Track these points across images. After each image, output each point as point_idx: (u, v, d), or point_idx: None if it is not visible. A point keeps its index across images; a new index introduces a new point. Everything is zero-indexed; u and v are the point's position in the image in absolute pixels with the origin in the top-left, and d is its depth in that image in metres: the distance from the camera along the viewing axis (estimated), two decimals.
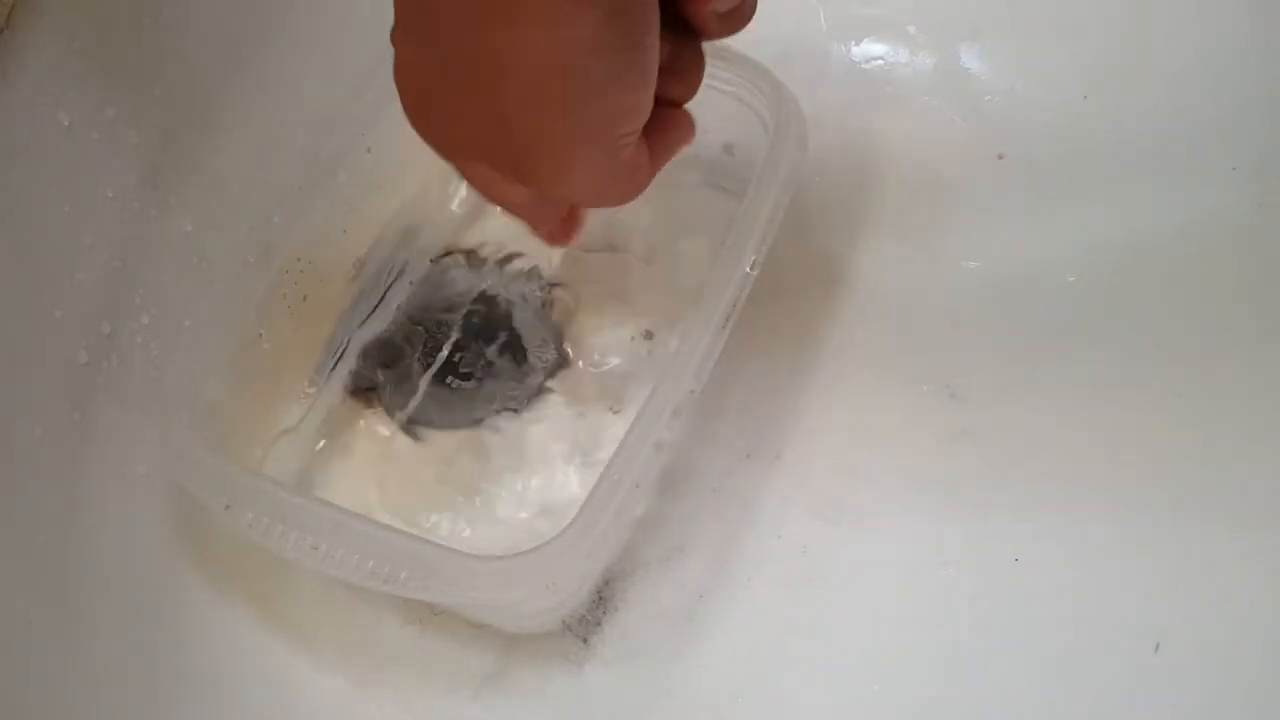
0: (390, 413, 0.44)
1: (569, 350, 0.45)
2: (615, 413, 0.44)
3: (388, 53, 0.30)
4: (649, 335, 0.45)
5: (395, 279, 0.46)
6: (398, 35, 0.30)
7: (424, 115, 0.31)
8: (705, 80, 0.41)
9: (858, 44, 0.50)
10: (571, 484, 0.42)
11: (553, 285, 0.46)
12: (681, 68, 0.33)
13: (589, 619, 0.41)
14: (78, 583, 0.37)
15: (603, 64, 0.28)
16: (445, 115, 0.30)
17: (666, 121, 0.33)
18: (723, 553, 0.42)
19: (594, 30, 0.27)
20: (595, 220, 0.39)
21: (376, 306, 0.46)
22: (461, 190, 0.48)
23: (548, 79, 0.28)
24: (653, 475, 0.40)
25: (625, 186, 0.33)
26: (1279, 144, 0.44)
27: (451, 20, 0.28)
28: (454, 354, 0.45)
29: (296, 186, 0.42)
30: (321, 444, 0.44)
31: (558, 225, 0.37)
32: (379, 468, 0.43)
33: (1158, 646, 0.38)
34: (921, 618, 0.40)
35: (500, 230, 0.47)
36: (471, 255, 0.47)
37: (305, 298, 0.44)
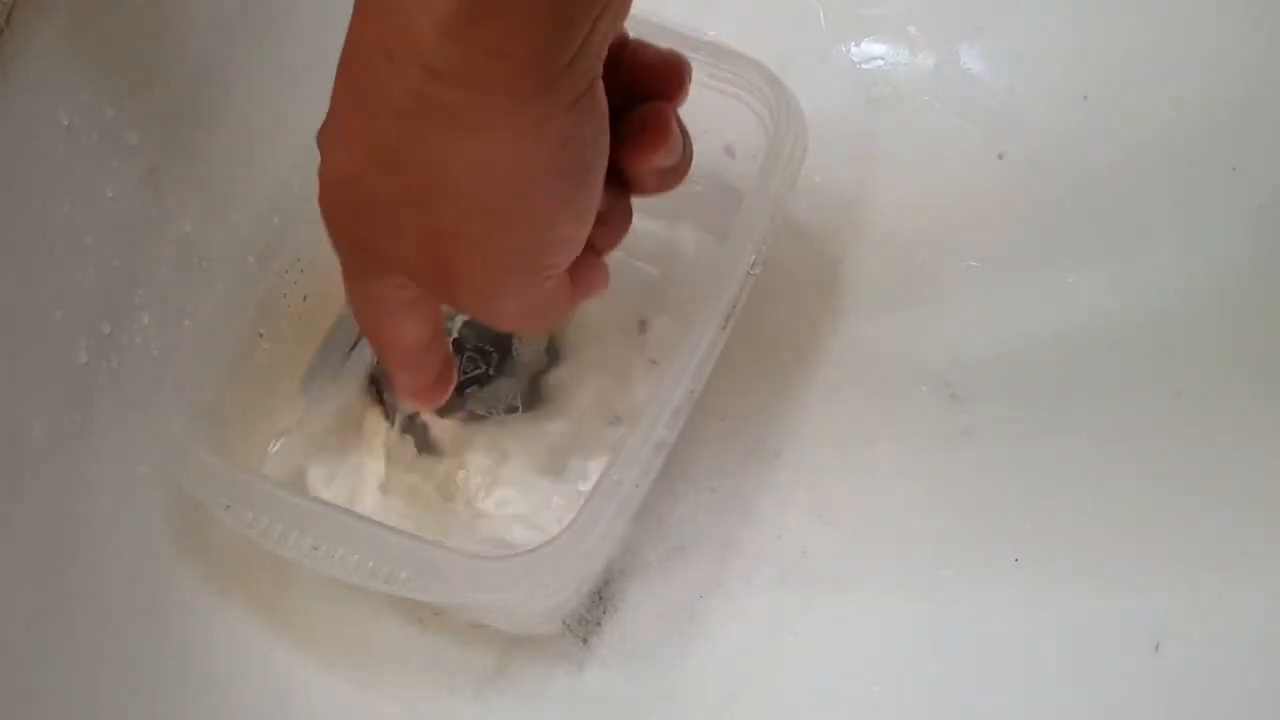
0: (389, 412, 0.44)
1: (568, 351, 0.45)
2: (614, 414, 0.44)
3: None
4: (644, 328, 0.45)
5: None
6: (329, 136, 0.29)
7: (350, 221, 0.31)
8: (705, 80, 0.41)
9: (858, 44, 0.50)
10: (571, 484, 0.42)
11: None
12: (612, 218, 0.33)
13: (589, 619, 0.41)
14: (78, 583, 0.37)
15: (549, 189, 0.28)
16: (372, 221, 0.30)
17: (589, 267, 0.34)
18: (723, 553, 0.42)
19: (546, 153, 0.27)
20: None
21: None
22: None
23: (491, 195, 0.28)
24: (653, 475, 0.40)
25: (542, 316, 0.33)
26: (1279, 144, 0.44)
27: (396, 126, 0.27)
28: (453, 354, 0.45)
29: (297, 186, 0.42)
30: (322, 444, 0.43)
31: (429, 384, 0.36)
32: (379, 467, 0.43)
33: (1158, 646, 0.38)
34: (921, 618, 0.40)
35: None
36: None
37: (305, 298, 0.44)
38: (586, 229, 0.31)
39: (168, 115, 0.41)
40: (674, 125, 0.32)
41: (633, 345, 0.45)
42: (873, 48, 0.49)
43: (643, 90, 0.32)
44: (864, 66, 0.49)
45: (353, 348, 0.45)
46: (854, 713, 0.39)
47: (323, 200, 0.30)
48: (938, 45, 0.49)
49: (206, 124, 0.43)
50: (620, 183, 0.32)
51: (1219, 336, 0.43)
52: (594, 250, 0.34)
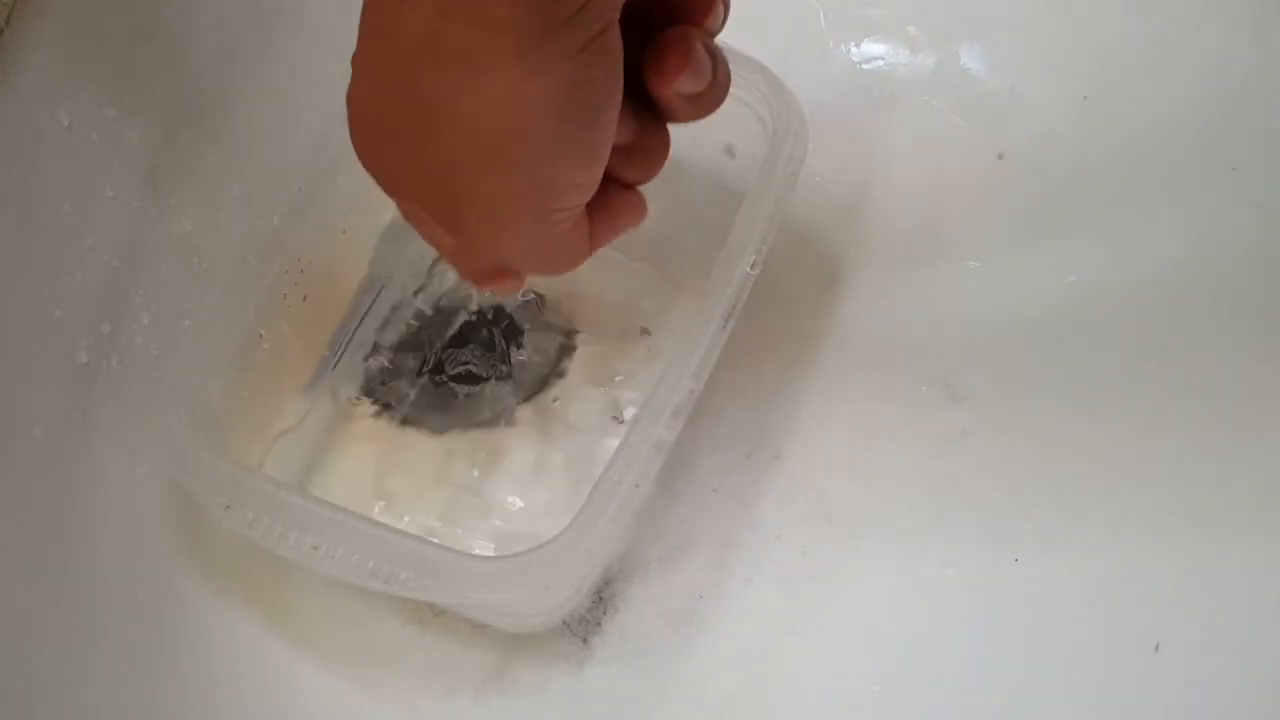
0: (391, 413, 0.44)
1: (568, 351, 0.45)
2: (615, 414, 0.44)
3: None
4: (646, 333, 0.45)
5: (394, 280, 0.46)
6: (357, 60, 0.29)
7: (370, 144, 0.31)
8: None
9: (858, 44, 0.50)
10: (572, 484, 0.42)
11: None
12: (645, 150, 0.32)
13: (589, 619, 0.41)
14: (78, 583, 0.37)
15: (554, 132, 0.28)
16: (390, 149, 0.30)
17: (618, 202, 0.33)
18: (723, 553, 0.42)
19: (552, 96, 0.27)
20: None
21: (374, 308, 0.46)
22: None
23: (494, 134, 0.28)
24: (653, 475, 0.40)
25: (557, 259, 0.32)
26: (1279, 144, 0.44)
27: (411, 57, 0.27)
28: (453, 355, 0.45)
29: (296, 186, 0.42)
30: (322, 444, 0.43)
31: (483, 273, 0.35)
32: (379, 468, 0.43)
33: (1158, 647, 0.38)
34: (921, 618, 0.40)
35: None
36: None
37: (305, 298, 0.44)
38: (596, 173, 0.30)
39: (168, 115, 0.41)
40: (697, 49, 0.31)
41: (633, 346, 0.45)
42: (873, 48, 0.49)
43: (672, 14, 0.31)
44: (864, 66, 0.49)
45: (344, 351, 0.45)
46: (854, 713, 0.39)
47: (349, 122, 0.31)
48: (938, 45, 0.49)
49: (206, 124, 0.43)
50: (655, 112, 0.31)
51: (1219, 337, 0.43)
52: (626, 184, 0.33)
